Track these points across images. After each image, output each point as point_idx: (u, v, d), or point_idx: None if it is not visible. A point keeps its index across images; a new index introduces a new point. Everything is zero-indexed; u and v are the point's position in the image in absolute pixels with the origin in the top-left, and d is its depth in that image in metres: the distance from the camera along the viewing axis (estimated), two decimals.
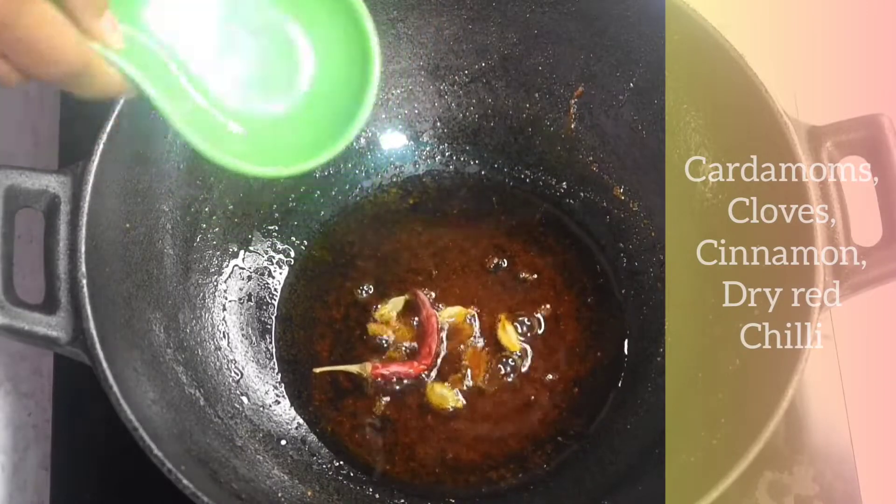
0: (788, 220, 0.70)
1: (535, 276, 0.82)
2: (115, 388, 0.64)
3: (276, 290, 0.82)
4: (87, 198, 0.67)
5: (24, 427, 0.81)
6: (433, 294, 0.81)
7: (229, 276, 0.80)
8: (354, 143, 0.84)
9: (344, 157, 0.84)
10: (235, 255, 0.81)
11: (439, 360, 0.79)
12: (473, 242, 0.83)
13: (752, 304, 0.72)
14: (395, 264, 0.83)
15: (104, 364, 0.65)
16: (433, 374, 0.78)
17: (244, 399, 0.77)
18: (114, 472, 0.77)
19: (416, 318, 0.80)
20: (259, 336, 0.81)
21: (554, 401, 0.79)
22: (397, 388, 0.78)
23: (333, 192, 0.84)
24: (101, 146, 0.68)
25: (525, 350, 0.79)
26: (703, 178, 0.77)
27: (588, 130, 0.83)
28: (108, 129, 0.69)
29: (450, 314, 0.80)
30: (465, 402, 0.78)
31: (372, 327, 0.80)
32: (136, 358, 0.70)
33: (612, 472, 0.75)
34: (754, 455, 0.64)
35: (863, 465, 0.79)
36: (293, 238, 0.83)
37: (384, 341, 0.80)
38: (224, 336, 0.79)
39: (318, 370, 0.79)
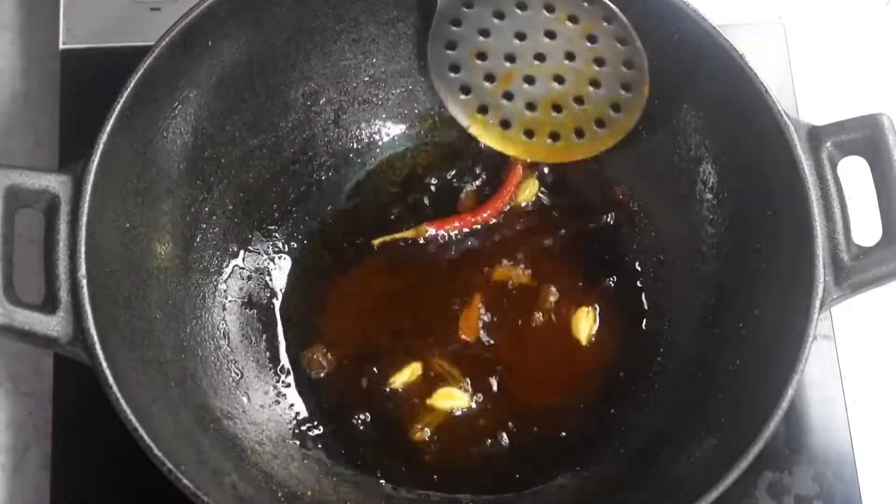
0: (788, 220, 0.70)
1: (535, 276, 0.82)
2: (115, 389, 0.64)
3: (276, 290, 0.82)
4: (87, 198, 0.67)
5: (24, 427, 0.81)
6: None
7: (229, 276, 0.80)
8: (355, 144, 0.84)
9: (344, 158, 0.84)
10: (235, 255, 0.81)
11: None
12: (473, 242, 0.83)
13: (752, 303, 0.72)
14: None
15: (104, 364, 0.65)
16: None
17: (244, 399, 0.77)
18: (114, 472, 0.77)
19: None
20: (259, 336, 0.80)
21: (554, 401, 0.79)
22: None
23: (333, 192, 0.84)
24: (101, 146, 0.68)
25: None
26: (704, 177, 0.77)
27: None
28: (108, 129, 0.69)
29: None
30: (470, 401, 0.78)
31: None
32: (136, 358, 0.70)
33: (613, 471, 0.75)
34: (754, 455, 0.65)
35: (863, 465, 0.79)
36: (293, 238, 0.83)
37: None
38: (224, 336, 0.79)
39: (376, 241, 0.82)
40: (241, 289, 0.81)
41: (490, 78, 0.78)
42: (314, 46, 0.79)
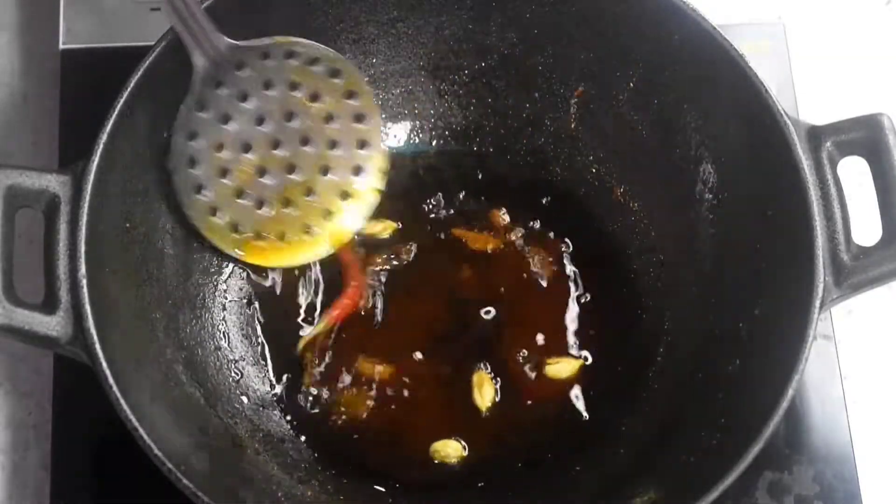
0: (789, 220, 0.70)
1: (535, 275, 0.82)
2: (115, 388, 0.65)
3: (276, 289, 0.82)
4: (87, 198, 0.67)
5: (24, 427, 0.81)
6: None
7: (229, 276, 0.80)
8: None
9: None
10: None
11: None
12: (472, 241, 0.83)
13: (752, 303, 0.72)
14: None
15: (104, 364, 0.65)
16: None
17: (244, 399, 0.77)
18: (114, 472, 0.77)
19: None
20: (259, 336, 0.80)
21: (553, 401, 0.79)
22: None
23: None
24: (101, 146, 0.68)
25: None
26: (704, 177, 0.77)
27: (588, 130, 0.83)
28: (108, 129, 0.69)
29: None
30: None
31: None
32: (136, 358, 0.70)
33: (613, 471, 0.75)
34: (754, 455, 0.65)
35: (863, 465, 0.79)
36: None
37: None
38: (224, 336, 0.79)
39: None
40: (240, 289, 0.81)
41: (224, 173, 0.74)
42: None
